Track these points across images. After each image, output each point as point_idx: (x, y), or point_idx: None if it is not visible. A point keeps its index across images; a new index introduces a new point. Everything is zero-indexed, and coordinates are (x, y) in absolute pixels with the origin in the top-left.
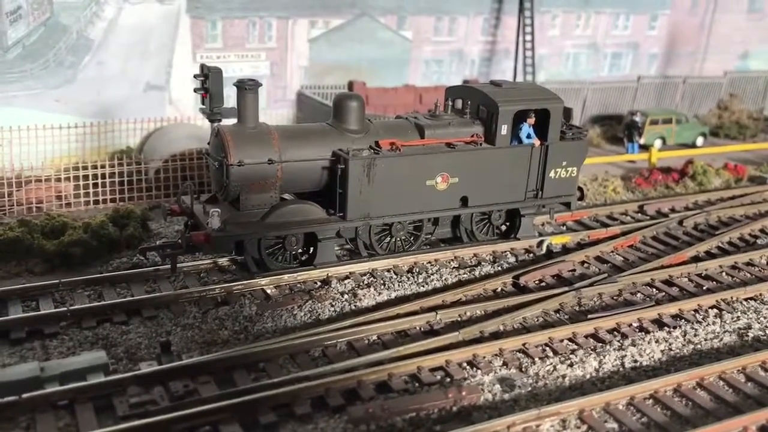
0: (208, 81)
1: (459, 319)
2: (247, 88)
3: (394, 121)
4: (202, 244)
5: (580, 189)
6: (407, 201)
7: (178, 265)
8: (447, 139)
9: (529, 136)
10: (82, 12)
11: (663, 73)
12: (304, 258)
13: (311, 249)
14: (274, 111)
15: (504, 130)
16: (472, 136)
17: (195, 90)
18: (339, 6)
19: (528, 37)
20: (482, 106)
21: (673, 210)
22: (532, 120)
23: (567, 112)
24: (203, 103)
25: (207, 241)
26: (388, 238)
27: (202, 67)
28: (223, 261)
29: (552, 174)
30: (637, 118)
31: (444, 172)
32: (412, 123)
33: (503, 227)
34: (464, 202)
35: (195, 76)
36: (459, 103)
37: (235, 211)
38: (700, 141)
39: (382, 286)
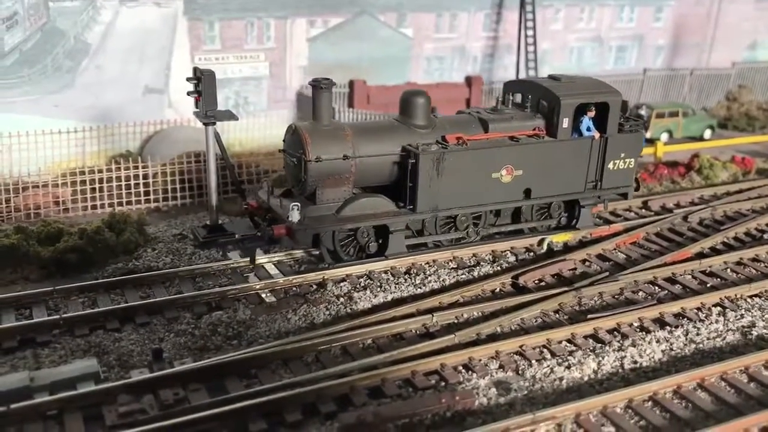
0: (201, 84)
1: (456, 321)
2: (322, 87)
3: (458, 116)
4: (283, 237)
5: (637, 180)
6: (473, 193)
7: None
8: (510, 133)
9: (589, 129)
10: (79, 16)
11: (669, 66)
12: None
13: (380, 241)
14: (274, 112)
15: (565, 123)
16: (534, 129)
17: (188, 93)
18: (338, 5)
19: (530, 32)
20: (543, 100)
21: (678, 205)
22: (592, 113)
23: (624, 105)
24: (197, 107)
25: (288, 234)
26: (452, 230)
27: (195, 70)
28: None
29: (611, 165)
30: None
31: (509, 165)
32: (475, 117)
33: (563, 218)
34: (527, 193)
35: (188, 80)
36: (518, 98)
37: (312, 205)
38: (707, 134)
39: (379, 289)
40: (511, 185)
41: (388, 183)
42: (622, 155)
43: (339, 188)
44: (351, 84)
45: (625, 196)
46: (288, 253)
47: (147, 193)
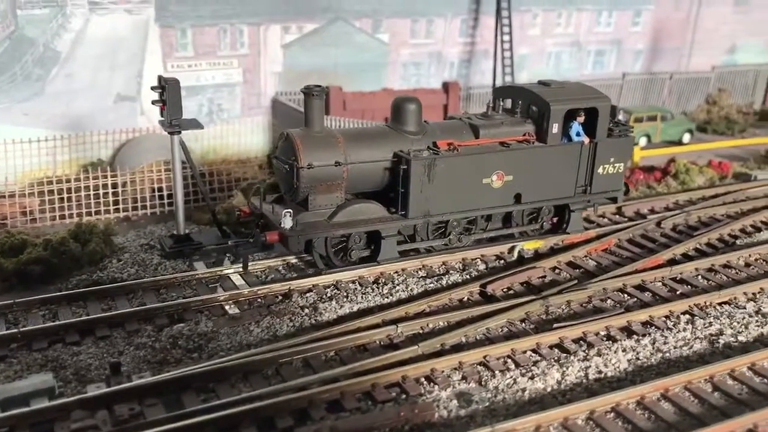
0: (165, 92)
1: (421, 331)
2: (314, 94)
3: (449, 122)
4: (275, 243)
5: (626, 184)
6: (464, 199)
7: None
8: (500, 139)
9: (578, 134)
10: (48, 24)
11: (649, 70)
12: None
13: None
14: (249, 119)
15: (555, 128)
16: (524, 134)
17: (153, 102)
18: (312, 11)
19: (506, 38)
20: (533, 105)
21: (652, 211)
22: (581, 118)
23: (612, 110)
24: (162, 115)
25: (281, 240)
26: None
27: (159, 78)
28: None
29: (600, 170)
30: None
31: (499, 170)
32: (466, 123)
33: (552, 222)
34: (517, 198)
35: (152, 88)
36: (508, 103)
37: (304, 211)
38: (686, 138)
39: (345, 299)
40: (501, 190)
41: (380, 189)
42: (612, 160)
43: (331, 194)
44: (326, 90)
45: (614, 200)
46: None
47: (117, 203)
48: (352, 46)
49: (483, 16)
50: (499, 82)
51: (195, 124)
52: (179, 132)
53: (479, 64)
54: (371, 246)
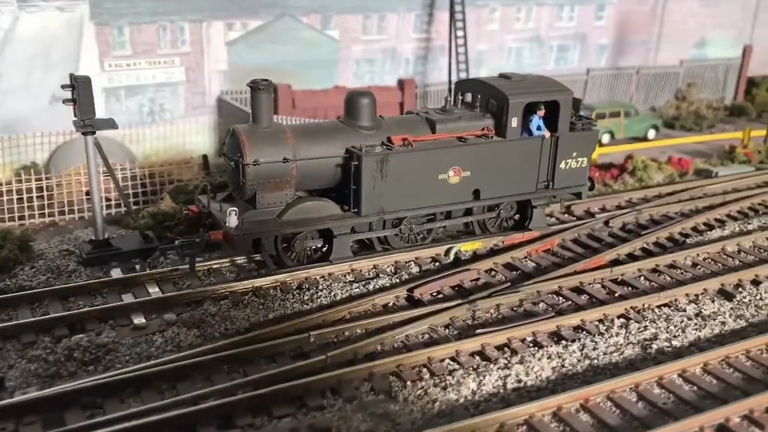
0: (76, 91)
1: (335, 339)
2: (260, 88)
3: (406, 116)
4: (221, 243)
5: (591, 179)
6: (421, 195)
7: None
8: (458, 133)
9: (539, 128)
10: None
11: (614, 65)
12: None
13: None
14: (193, 118)
15: (514, 122)
16: (483, 129)
17: (64, 101)
18: (256, 7)
19: (459, 33)
20: (492, 99)
21: (603, 209)
22: (542, 112)
23: (576, 103)
24: (75, 115)
25: (225, 239)
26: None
27: (71, 76)
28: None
29: (562, 165)
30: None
31: (456, 166)
32: (423, 118)
33: (515, 219)
34: (476, 194)
35: (63, 87)
36: (468, 97)
37: (252, 209)
38: (651, 134)
39: (261, 306)
40: (459, 186)
41: (334, 186)
42: (574, 154)
43: (280, 192)
44: (274, 88)
45: (579, 195)
46: (174, 268)
47: (47, 206)
48: (300, 43)
49: (437, 11)
50: (454, 79)
51: (110, 124)
52: (93, 133)
53: (436, 60)
54: (324, 247)
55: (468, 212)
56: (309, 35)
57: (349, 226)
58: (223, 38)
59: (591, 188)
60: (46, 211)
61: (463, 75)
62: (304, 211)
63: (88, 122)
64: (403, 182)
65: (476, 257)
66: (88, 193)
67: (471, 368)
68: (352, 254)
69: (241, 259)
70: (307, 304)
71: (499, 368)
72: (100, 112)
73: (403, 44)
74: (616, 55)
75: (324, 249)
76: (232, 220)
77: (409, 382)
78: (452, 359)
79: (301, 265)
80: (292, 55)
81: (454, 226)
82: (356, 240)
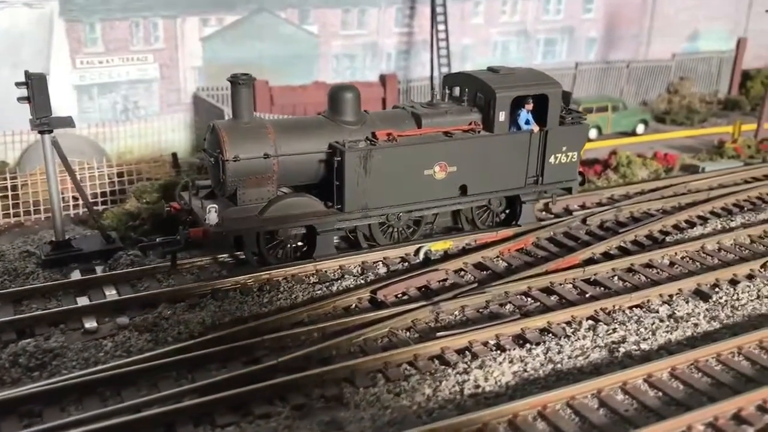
0: (31, 88)
1: (290, 344)
2: (240, 82)
3: (391, 111)
4: (201, 240)
5: (582, 174)
6: (405, 191)
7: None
8: (444, 128)
9: (527, 122)
10: None
11: (604, 58)
12: (303, 250)
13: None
14: (169, 116)
15: (502, 116)
16: (470, 123)
17: (18, 99)
18: (232, 2)
19: (441, 27)
20: (479, 93)
21: (583, 206)
22: (530, 106)
23: (566, 96)
24: (31, 114)
25: (205, 236)
26: (390, 229)
27: (26, 73)
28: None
29: (552, 159)
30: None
31: (442, 161)
32: (408, 112)
33: (504, 215)
34: (463, 190)
35: (16, 85)
36: (456, 91)
37: (233, 206)
38: (640, 129)
39: (218, 309)
40: (445, 182)
41: (317, 182)
42: (564, 149)
43: (262, 188)
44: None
45: (569, 190)
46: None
47: (12, 207)
48: (278, 39)
49: (419, 4)
50: (437, 75)
51: (67, 122)
52: (50, 131)
53: (419, 55)
54: (305, 242)
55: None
56: (287, 30)
57: (332, 224)
58: (198, 34)
59: (582, 183)
60: (11, 211)
61: (445, 70)
62: (286, 208)
63: (44, 120)
64: (387, 178)
65: (447, 257)
66: (62, 192)
67: (428, 373)
68: (337, 251)
69: (226, 257)
70: (266, 307)
71: (457, 373)
72: (72, 111)
73: (384, 39)
74: (605, 48)
75: (305, 248)
76: (212, 217)
77: (362, 389)
78: (410, 364)
79: (285, 263)
80: (270, 51)
81: (442, 222)
82: (342, 237)
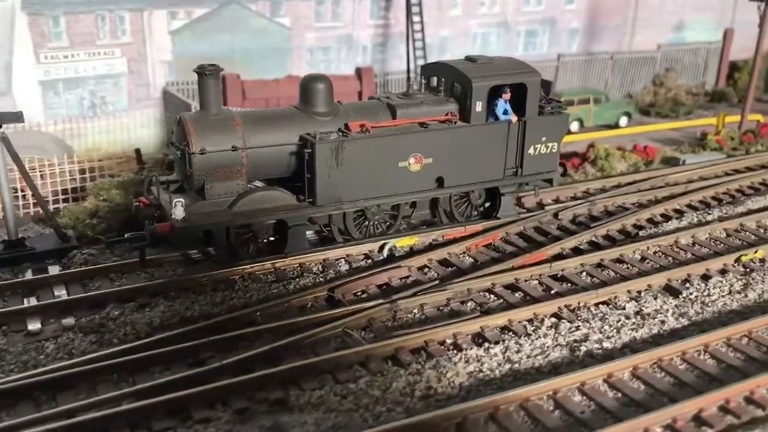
0: None
1: (238, 345)
2: (207, 73)
3: (365, 102)
4: (168, 236)
5: (563, 165)
6: (380, 184)
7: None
8: (420, 119)
9: (505, 112)
10: None
11: (587, 50)
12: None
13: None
14: (138, 111)
15: (479, 106)
16: (447, 114)
17: None
18: None
19: (416, 18)
20: (456, 83)
21: (557, 201)
22: (507, 95)
23: (546, 86)
24: None
25: (172, 232)
26: (365, 223)
27: None
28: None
29: (531, 150)
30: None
31: (417, 153)
32: (383, 103)
33: (483, 207)
34: (440, 182)
35: None
36: (434, 81)
37: (201, 200)
38: (623, 121)
39: (167, 310)
40: (420, 174)
41: (289, 175)
42: (543, 139)
43: (231, 182)
44: (222, 78)
45: (550, 182)
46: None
47: None
48: (249, 32)
49: None
50: (413, 67)
51: (16, 118)
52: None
53: (396, 48)
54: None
55: (435, 201)
56: (258, 23)
57: (304, 217)
58: (166, 27)
59: (563, 174)
60: None
61: (421, 62)
62: (256, 202)
63: None
64: (360, 171)
65: (412, 253)
66: (15, 191)
67: (379, 374)
68: (309, 246)
69: (197, 253)
70: (218, 307)
71: (409, 374)
72: (37, 107)
73: (359, 31)
74: (588, 40)
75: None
76: (179, 212)
77: (308, 391)
78: (361, 365)
79: (257, 258)
80: (241, 44)
81: (422, 216)
82: (317, 232)
